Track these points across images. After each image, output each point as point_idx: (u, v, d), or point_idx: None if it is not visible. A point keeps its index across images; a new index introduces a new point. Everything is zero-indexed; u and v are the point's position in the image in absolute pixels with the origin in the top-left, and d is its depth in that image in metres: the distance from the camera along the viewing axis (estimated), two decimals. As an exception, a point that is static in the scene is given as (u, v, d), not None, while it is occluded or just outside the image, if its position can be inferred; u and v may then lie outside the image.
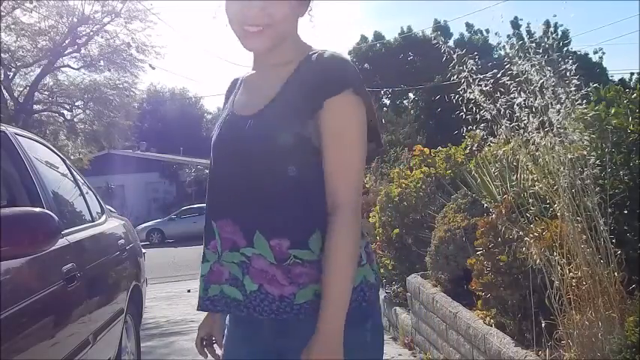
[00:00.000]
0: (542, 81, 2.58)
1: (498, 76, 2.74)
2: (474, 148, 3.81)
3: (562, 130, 2.57)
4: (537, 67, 2.62)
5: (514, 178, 3.14)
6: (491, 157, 3.68)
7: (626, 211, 2.74)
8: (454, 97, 2.86)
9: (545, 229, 2.62)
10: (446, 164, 5.38)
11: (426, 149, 5.77)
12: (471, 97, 2.74)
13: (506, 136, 2.73)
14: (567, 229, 2.52)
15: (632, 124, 2.95)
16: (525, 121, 2.63)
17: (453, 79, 2.84)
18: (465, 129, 3.04)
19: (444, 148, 5.62)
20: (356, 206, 1.35)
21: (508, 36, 29.28)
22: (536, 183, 2.66)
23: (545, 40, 2.75)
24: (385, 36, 34.20)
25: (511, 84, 2.66)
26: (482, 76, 2.75)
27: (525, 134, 2.66)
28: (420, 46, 32.97)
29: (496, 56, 29.89)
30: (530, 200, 2.72)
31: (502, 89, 2.71)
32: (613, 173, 2.76)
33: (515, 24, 30.75)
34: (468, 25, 33.38)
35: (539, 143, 2.59)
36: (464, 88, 2.79)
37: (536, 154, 2.66)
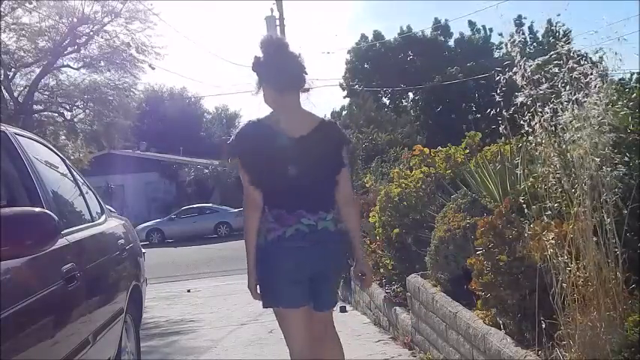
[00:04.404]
0: (589, 77, 2.55)
1: (531, 67, 2.70)
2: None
3: (594, 128, 2.54)
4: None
5: (538, 170, 3.10)
6: (508, 152, 3.65)
7: (626, 211, 2.74)
8: (496, 77, 2.81)
9: (558, 229, 2.61)
10: (446, 164, 5.38)
11: (425, 149, 5.77)
12: (517, 79, 2.70)
13: (541, 126, 2.68)
14: (580, 229, 2.52)
15: (632, 124, 2.95)
16: (559, 115, 2.61)
17: (503, 57, 2.81)
18: (499, 110, 2.94)
19: (444, 148, 5.62)
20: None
21: (511, 34, 29.14)
22: (557, 177, 2.64)
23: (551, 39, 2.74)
24: (385, 35, 34.21)
25: (545, 76, 2.64)
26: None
27: (555, 128, 2.64)
28: (420, 46, 32.97)
29: (497, 55, 29.89)
30: (548, 203, 2.70)
31: (544, 78, 2.67)
32: (631, 173, 2.75)
33: (518, 22, 30.68)
34: (471, 24, 33.30)
35: (570, 139, 2.57)
36: (505, 70, 2.76)
37: (564, 148, 2.64)
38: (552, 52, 2.70)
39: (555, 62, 2.67)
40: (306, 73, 2.75)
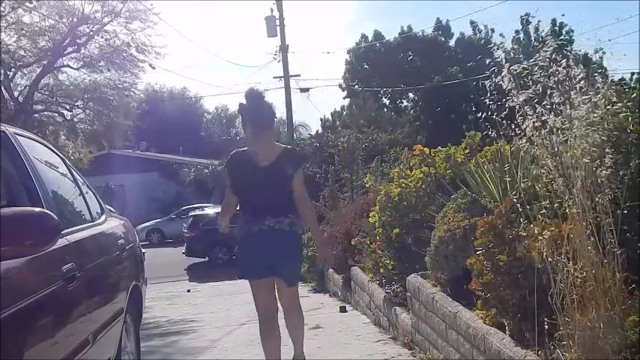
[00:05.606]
0: (579, 76, 2.55)
1: (519, 67, 2.70)
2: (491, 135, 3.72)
3: (585, 130, 2.53)
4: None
5: (532, 172, 3.10)
6: (508, 152, 3.67)
7: (626, 211, 2.73)
8: (482, 84, 2.83)
9: (555, 229, 2.61)
10: (446, 164, 5.38)
11: (425, 149, 5.76)
12: (505, 85, 2.70)
13: (531, 128, 2.68)
14: (576, 229, 2.51)
15: (632, 124, 2.94)
16: (545, 118, 2.61)
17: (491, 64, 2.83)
18: (485, 114, 2.95)
19: (444, 148, 5.62)
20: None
21: (516, 31, 28.96)
22: (550, 178, 2.64)
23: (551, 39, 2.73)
24: (385, 35, 34.14)
25: (536, 77, 2.63)
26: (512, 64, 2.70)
27: (544, 131, 2.64)
28: (420, 46, 32.91)
29: (497, 56, 29.82)
30: (543, 202, 2.69)
31: (531, 81, 2.67)
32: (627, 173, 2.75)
33: (525, 20, 30.55)
34: (472, 23, 33.16)
35: (558, 141, 2.57)
36: (494, 74, 2.76)
37: (557, 149, 2.64)
38: (537, 56, 2.70)
39: (540, 65, 2.67)
40: (276, 118, 3.97)
